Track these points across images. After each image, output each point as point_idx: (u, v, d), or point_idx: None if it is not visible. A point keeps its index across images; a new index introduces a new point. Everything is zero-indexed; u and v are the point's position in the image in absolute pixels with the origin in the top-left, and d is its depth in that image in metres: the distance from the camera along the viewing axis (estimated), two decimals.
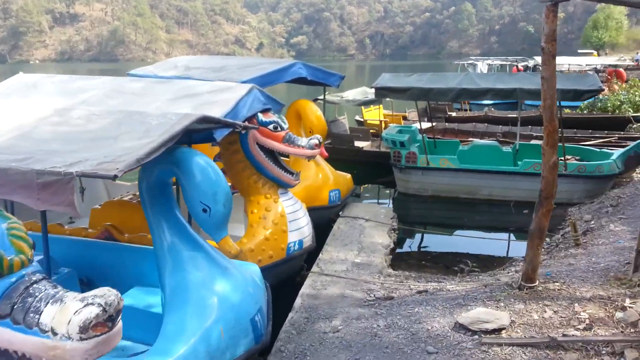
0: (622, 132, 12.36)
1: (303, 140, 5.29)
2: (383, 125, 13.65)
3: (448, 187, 8.82)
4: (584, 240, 5.93)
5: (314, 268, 5.52)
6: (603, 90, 7.06)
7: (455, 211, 8.76)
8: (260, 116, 5.12)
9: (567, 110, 15.00)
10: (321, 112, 7.05)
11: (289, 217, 5.25)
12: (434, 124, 10.99)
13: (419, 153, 8.85)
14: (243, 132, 4.67)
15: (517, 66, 21.79)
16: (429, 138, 10.13)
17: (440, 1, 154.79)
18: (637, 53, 42.19)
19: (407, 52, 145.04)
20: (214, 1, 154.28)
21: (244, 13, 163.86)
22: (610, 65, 19.44)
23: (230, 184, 4.34)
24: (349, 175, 7.73)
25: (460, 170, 8.60)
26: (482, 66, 20.78)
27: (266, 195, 5.26)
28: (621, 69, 18.84)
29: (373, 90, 9.05)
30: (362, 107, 13.61)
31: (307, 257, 5.68)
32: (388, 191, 10.16)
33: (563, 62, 21.93)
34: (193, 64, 7.43)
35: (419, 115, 9.77)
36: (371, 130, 12.82)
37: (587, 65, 20.92)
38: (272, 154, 5.28)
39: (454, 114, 16.24)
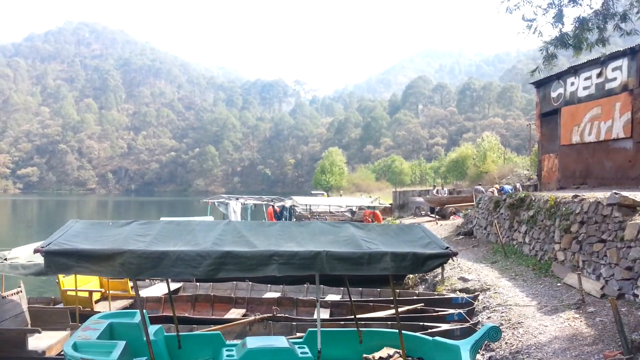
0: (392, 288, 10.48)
1: None
2: (93, 298, 8.60)
3: None
4: None
5: None
6: (456, 254, 4.13)
7: None
8: None
9: None
10: None
11: None
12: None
13: None
14: None
15: (273, 206, 19.80)
16: (167, 332, 5.69)
17: (185, 142, 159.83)
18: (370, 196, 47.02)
19: (154, 188, 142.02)
20: None
21: None
22: (368, 207, 19.20)
23: None
24: None
25: None
26: (235, 206, 17.97)
27: None
28: (377, 211, 18.55)
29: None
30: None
31: None
32: None
33: (319, 202, 21.06)
34: None
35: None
36: (78, 310, 7.56)
37: (346, 206, 20.45)
38: None
39: None
